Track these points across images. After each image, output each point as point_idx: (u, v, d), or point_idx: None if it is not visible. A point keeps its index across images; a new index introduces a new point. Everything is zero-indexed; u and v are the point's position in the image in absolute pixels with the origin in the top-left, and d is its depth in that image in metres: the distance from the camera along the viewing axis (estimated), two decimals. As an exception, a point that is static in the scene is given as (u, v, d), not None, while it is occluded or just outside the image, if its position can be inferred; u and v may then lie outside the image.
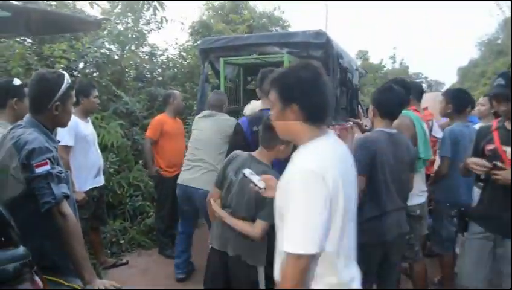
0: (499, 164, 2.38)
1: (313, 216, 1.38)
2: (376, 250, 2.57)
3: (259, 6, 14.55)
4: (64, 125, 2.21)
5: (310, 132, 1.54)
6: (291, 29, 14.08)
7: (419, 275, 3.23)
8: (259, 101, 3.40)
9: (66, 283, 1.95)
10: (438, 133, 3.90)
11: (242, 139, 2.98)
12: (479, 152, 2.66)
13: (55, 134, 2.22)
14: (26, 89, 2.65)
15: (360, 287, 1.57)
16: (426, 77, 54.28)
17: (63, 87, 2.06)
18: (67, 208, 1.93)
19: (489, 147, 2.56)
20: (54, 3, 6.77)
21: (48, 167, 1.89)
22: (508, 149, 2.45)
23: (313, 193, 1.38)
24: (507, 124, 2.52)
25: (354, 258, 1.60)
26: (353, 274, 1.56)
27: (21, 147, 1.91)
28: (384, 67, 37.43)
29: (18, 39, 5.79)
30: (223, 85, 5.16)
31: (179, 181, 3.89)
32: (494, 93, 2.61)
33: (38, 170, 1.87)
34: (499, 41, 29.59)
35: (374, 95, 2.77)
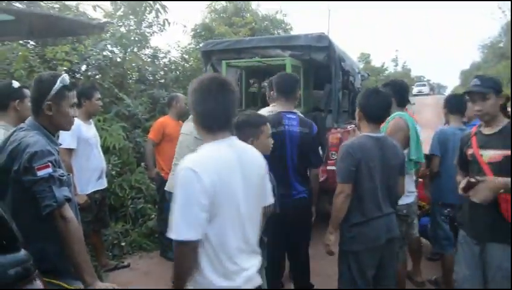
0: (472, 180, 2.41)
1: (186, 208, 1.57)
2: (367, 256, 2.55)
3: (262, 9, 14.57)
4: (64, 128, 2.20)
5: (205, 136, 1.74)
6: (293, 32, 14.10)
7: (399, 277, 3.21)
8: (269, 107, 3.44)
9: (67, 286, 1.95)
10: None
11: None
12: (463, 157, 2.70)
13: (58, 137, 2.22)
14: (26, 91, 2.68)
15: (250, 281, 1.73)
16: (428, 80, 54.29)
17: (56, 87, 2.04)
18: (68, 211, 1.92)
19: (469, 151, 2.60)
20: (57, 6, 6.79)
21: (49, 170, 1.89)
22: (485, 152, 2.48)
23: (188, 188, 1.57)
24: (482, 128, 2.56)
25: (251, 252, 1.76)
26: (241, 267, 1.69)
27: (23, 150, 1.90)
28: (387, 70, 37.50)
29: (21, 42, 5.81)
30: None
31: (165, 187, 3.90)
32: (467, 91, 2.65)
33: (40, 173, 1.87)
34: (501, 45, 29.55)
35: (359, 99, 2.73)
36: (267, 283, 2.50)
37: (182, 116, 4.78)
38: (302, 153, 3.09)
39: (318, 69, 5.56)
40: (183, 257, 1.61)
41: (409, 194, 3.24)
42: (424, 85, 41.48)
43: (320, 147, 4.59)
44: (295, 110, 3.21)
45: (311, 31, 5.04)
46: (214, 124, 1.71)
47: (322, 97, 5.49)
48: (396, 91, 3.22)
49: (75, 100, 2.19)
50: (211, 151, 1.68)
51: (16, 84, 2.71)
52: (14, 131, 2.07)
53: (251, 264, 1.74)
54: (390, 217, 2.65)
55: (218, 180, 1.58)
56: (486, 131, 2.53)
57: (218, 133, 1.71)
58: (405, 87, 3.51)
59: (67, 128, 2.20)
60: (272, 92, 3.45)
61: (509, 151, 2.36)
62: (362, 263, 2.54)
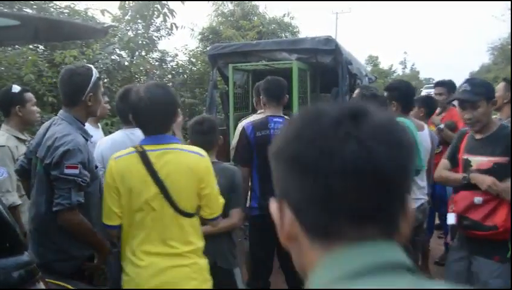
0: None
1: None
2: None
3: (269, 12, 14.57)
4: (95, 114, 2.36)
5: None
6: (301, 35, 14.08)
7: None
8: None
9: (70, 287, 1.97)
10: None
11: (246, 143, 3.01)
12: (454, 152, 2.62)
13: None
14: (27, 95, 2.79)
15: None
16: (437, 82, 53.74)
17: (93, 78, 2.16)
18: (76, 215, 1.96)
19: (459, 154, 2.55)
20: (66, 10, 6.86)
21: (76, 172, 1.94)
22: (473, 159, 2.40)
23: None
24: (474, 133, 2.45)
25: None
26: None
27: (58, 146, 1.96)
28: (395, 72, 37.20)
29: (31, 46, 5.87)
30: (232, 91, 5.18)
31: None
32: (455, 98, 2.56)
33: (67, 171, 1.92)
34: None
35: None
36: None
37: None
38: None
39: (325, 72, 5.54)
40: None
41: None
42: (433, 87, 41.08)
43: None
44: (283, 115, 3.17)
45: (318, 33, 5.04)
46: (123, 121, 2.71)
47: (329, 100, 5.46)
48: (398, 96, 2.96)
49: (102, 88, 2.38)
50: (115, 134, 2.76)
51: (15, 88, 2.76)
52: (50, 125, 2.14)
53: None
54: None
55: (107, 149, 2.49)
56: (477, 136, 2.44)
57: (125, 125, 2.64)
58: (410, 91, 3.11)
59: (97, 114, 2.44)
60: (260, 97, 3.36)
61: (499, 158, 2.28)
62: None
